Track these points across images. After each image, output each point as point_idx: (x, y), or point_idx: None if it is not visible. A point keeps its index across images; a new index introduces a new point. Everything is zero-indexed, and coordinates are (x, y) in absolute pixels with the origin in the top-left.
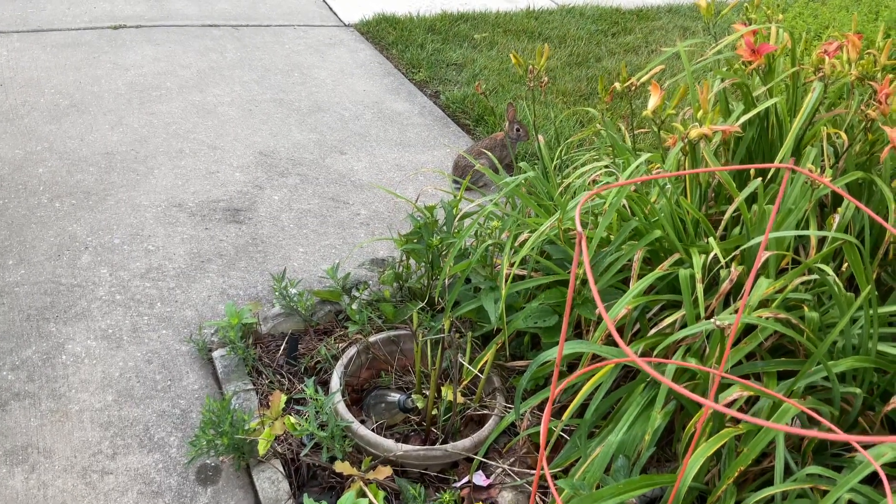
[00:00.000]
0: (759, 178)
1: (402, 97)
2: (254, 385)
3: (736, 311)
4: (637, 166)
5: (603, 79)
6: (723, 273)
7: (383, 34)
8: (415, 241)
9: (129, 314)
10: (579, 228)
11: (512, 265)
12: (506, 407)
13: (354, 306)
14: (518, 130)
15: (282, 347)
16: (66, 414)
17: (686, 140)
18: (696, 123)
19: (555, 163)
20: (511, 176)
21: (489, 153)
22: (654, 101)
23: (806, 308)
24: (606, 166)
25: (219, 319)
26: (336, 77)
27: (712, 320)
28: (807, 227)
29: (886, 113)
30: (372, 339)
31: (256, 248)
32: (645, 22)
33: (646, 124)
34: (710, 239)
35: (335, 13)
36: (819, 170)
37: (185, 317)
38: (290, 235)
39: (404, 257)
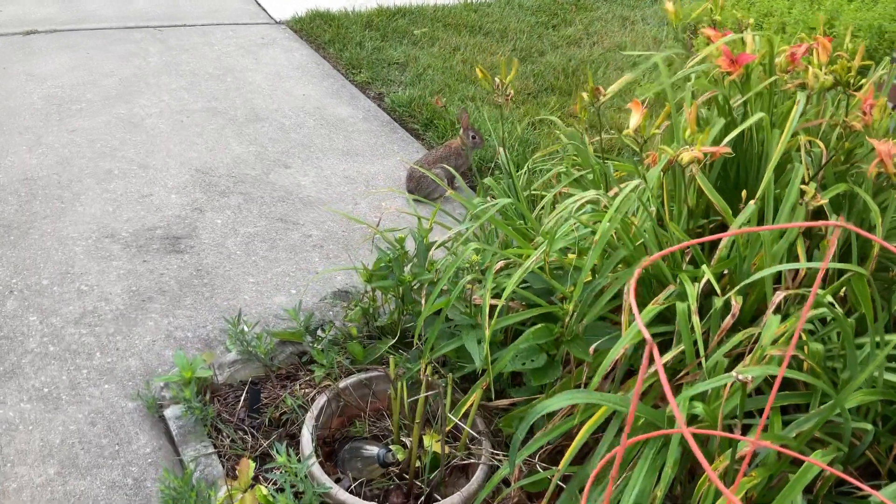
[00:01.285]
0: (752, 202)
1: (345, 101)
2: (215, 447)
3: (736, 347)
4: (626, 195)
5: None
6: (716, 301)
7: (319, 32)
8: (384, 275)
9: (66, 368)
10: (648, 338)
11: (495, 299)
12: (492, 454)
13: (320, 346)
14: (474, 138)
15: (242, 398)
16: (3, 493)
17: (676, 163)
18: (686, 145)
19: (522, 179)
20: (468, 184)
21: (444, 165)
22: (635, 120)
23: (804, 336)
24: (591, 202)
25: (167, 369)
26: (272, 81)
27: (734, 374)
28: (796, 248)
29: (870, 123)
30: (342, 383)
31: (202, 281)
32: (584, 13)
33: (609, 129)
34: (704, 267)
35: (265, 10)
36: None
37: (128, 367)
38: (238, 264)
39: (370, 289)
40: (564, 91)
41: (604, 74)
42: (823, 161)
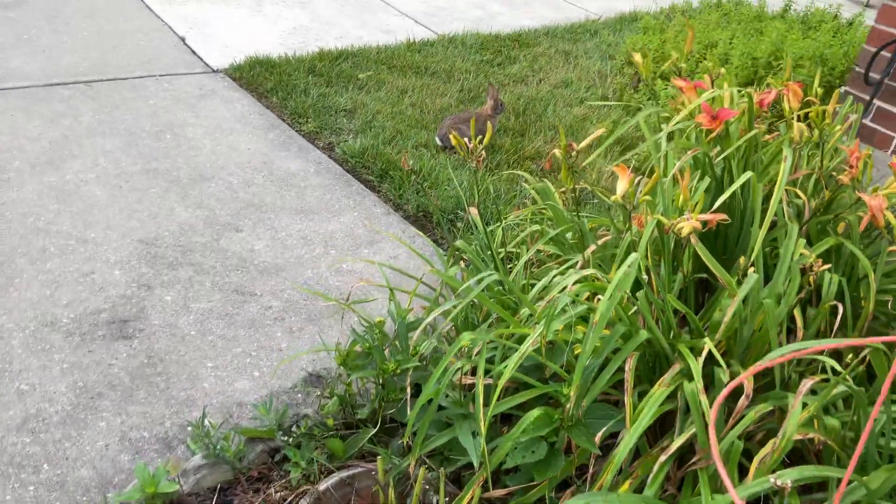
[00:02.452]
0: (752, 270)
1: (294, 154)
2: None
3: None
4: (624, 273)
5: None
6: (720, 374)
7: (260, 80)
8: (362, 365)
9: (11, 485)
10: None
11: (492, 385)
12: None
13: (294, 443)
14: (501, 105)
15: None
16: None
17: (672, 232)
18: (677, 210)
19: (495, 239)
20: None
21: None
22: (622, 186)
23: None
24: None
25: (125, 478)
26: (214, 135)
27: (771, 479)
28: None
29: (856, 176)
30: (322, 486)
31: (155, 371)
32: (526, 48)
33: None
34: (706, 340)
35: (200, 58)
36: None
37: (81, 479)
38: (194, 346)
39: (345, 373)
40: (517, 132)
41: (554, 112)
42: (807, 215)
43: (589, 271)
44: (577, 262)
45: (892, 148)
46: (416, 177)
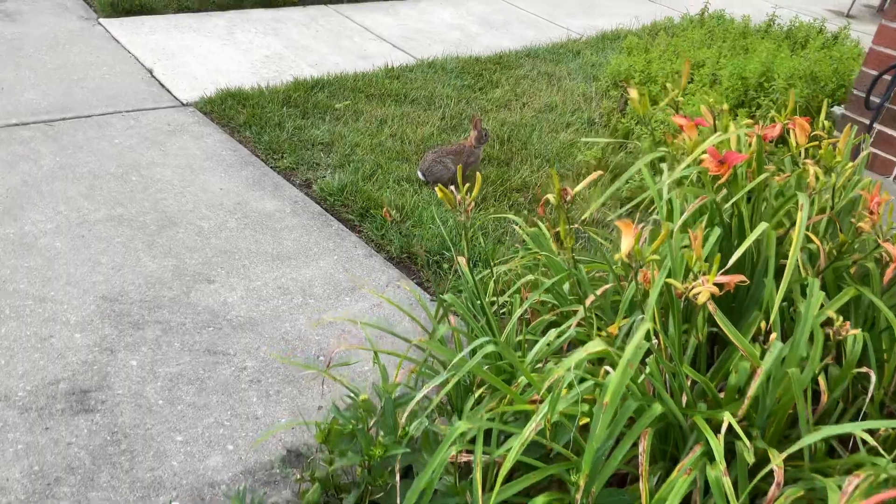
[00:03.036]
0: (773, 336)
1: (269, 192)
2: None
3: None
4: (636, 345)
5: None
6: (743, 452)
7: (232, 114)
8: (345, 451)
9: None
10: None
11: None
12: None
13: None
14: (486, 135)
15: None
16: None
17: (685, 297)
18: (696, 276)
19: (486, 292)
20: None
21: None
22: (627, 244)
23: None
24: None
25: None
26: (184, 175)
27: None
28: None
29: (877, 223)
30: None
31: (119, 448)
32: (508, 71)
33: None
34: (726, 415)
35: (169, 91)
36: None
37: None
38: (162, 418)
39: (327, 451)
40: (502, 161)
41: (539, 138)
42: (823, 262)
43: (597, 346)
44: (576, 313)
45: (894, 174)
46: (398, 214)
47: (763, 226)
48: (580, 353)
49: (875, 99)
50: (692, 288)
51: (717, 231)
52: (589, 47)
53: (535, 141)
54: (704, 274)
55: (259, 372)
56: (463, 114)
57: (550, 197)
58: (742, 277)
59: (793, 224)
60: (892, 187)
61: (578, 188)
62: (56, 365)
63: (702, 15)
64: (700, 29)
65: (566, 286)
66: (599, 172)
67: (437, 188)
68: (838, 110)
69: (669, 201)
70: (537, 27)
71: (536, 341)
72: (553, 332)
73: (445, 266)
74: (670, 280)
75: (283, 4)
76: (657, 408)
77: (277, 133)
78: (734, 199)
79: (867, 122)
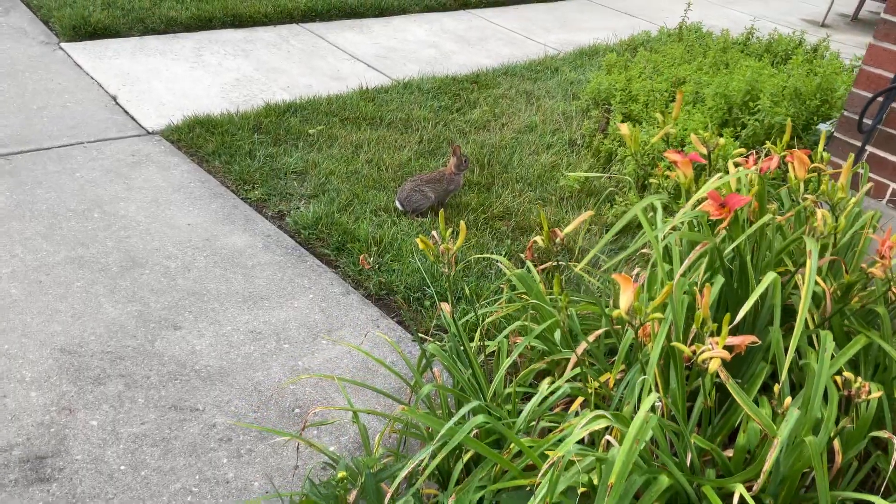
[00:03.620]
0: (788, 401)
1: (239, 226)
2: None
3: None
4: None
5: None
6: None
7: (201, 142)
8: None
9: None
10: None
11: None
12: None
13: None
14: (465, 162)
15: None
16: None
17: (693, 363)
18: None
19: (473, 344)
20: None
21: (425, 189)
22: (626, 299)
23: None
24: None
25: None
26: (150, 210)
27: None
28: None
29: (889, 266)
30: None
31: None
32: (486, 90)
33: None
34: (739, 488)
35: (134, 119)
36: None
37: None
38: (124, 486)
39: None
40: (483, 186)
41: (520, 161)
42: (829, 308)
43: (600, 424)
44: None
45: (887, 197)
46: (376, 249)
47: (771, 276)
48: (580, 430)
49: (867, 121)
50: (701, 353)
51: (719, 279)
52: (567, 64)
53: (516, 163)
54: (712, 335)
55: (230, 429)
56: (441, 136)
57: (539, 239)
58: (753, 338)
59: (796, 264)
60: (886, 211)
61: (568, 229)
62: (9, 429)
63: (680, 29)
64: (679, 44)
65: (557, 333)
66: (590, 213)
67: (418, 239)
68: (823, 127)
69: (667, 248)
70: (514, 43)
71: (527, 393)
72: (545, 387)
73: (427, 303)
74: (677, 344)
75: (253, 24)
76: (664, 480)
77: (248, 162)
78: (736, 243)
79: (858, 143)
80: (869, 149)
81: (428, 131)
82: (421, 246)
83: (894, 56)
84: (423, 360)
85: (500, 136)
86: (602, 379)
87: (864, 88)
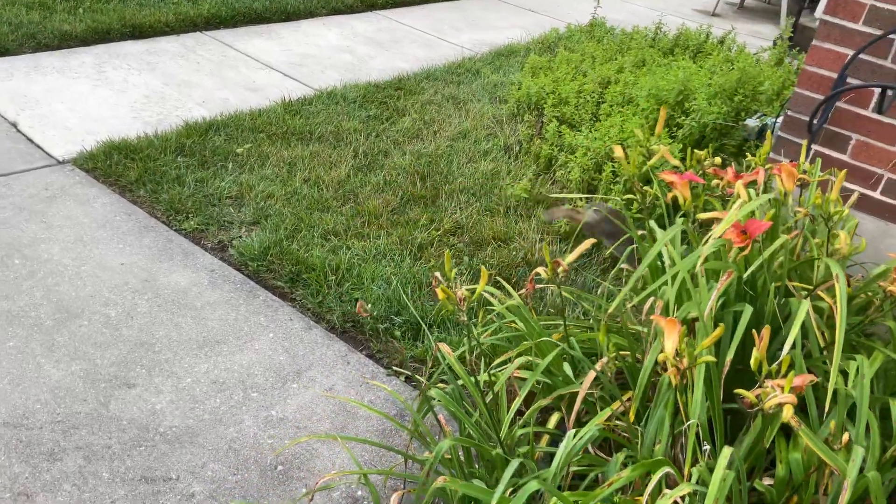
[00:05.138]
0: (848, 437)
1: (178, 262)
2: None
3: None
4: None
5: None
6: None
7: (121, 170)
8: None
9: None
10: None
11: None
12: None
13: None
14: None
15: None
16: None
17: (759, 410)
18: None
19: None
20: None
21: None
22: (671, 344)
23: None
24: None
25: None
26: (76, 251)
27: None
28: None
29: None
30: None
31: None
32: (411, 97)
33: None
34: None
35: (40, 147)
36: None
37: None
38: None
39: None
40: (428, 201)
41: (459, 169)
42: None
43: (684, 490)
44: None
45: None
46: (334, 278)
47: (806, 304)
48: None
49: (804, 117)
50: (769, 399)
51: (747, 309)
52: (486, 65)
53: (456, 173)
54: (769, 377)
55: (211, 496)
56: (376, 149)
57: (541, 271)
58: (813, 378)
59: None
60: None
61: (570, 258)
62: None
63: (591, 26)
64: (593, 41)
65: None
66: (592, 241)
67: (438, 290)
68: (751, 122)
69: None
70: (428, 45)
71: (537, 431)
72: (571, 434)
73: (397, 333)
74: (742, 391)
75: (155, 34)
76: None
77: (178, 189)
78: (752, 269)
79: (801, 141)
80: (815, 147)
81: (361, 144)
82: (441, 296)
83: (835, 56)
84: (426, 407)
85: (434, 145)
86: (614, 407)
87: (807, 88)
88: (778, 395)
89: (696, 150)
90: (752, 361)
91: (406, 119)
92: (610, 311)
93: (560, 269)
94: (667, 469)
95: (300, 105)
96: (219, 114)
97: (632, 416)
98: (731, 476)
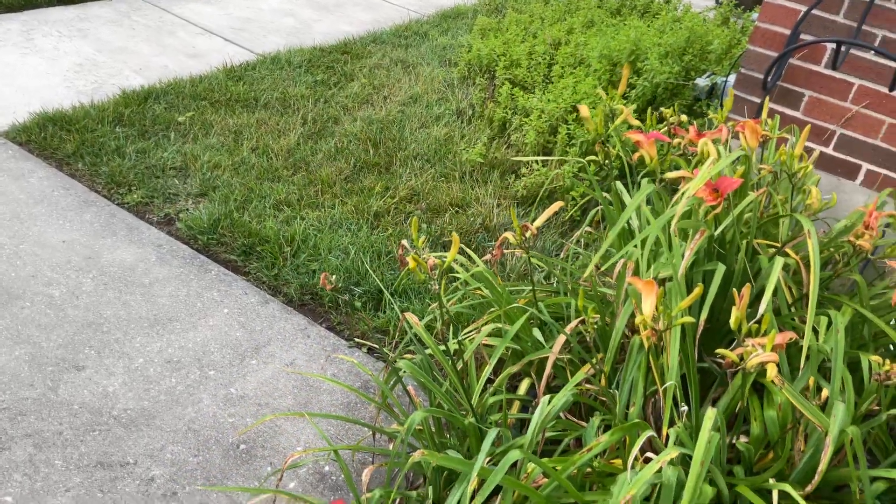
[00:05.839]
0: (828, 396)
1: (123, 238)
2: None
3: None
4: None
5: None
6: None
7: (56, 143)
8: None
9: None
10: None
11: None
12: None
13: None
14: None
15: None
16: None
17: (740, 370)
18: (755, 346)
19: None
20: None
21: None
22: (649, 305)
23: None
24: None
25: None
26: (13, 229)
27: None
28: None
29: (875, 237)
30: None
31: None
32: (359, 61)
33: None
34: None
35: None
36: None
37: None
38: None
39: None
40: (382, 168)
41: (412, 135)
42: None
43: (673, 452)
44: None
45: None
46: (289, 249)
47: (780, 262)
48: (649, 468)
49: (758, 74)
50: (751, 359)
51: (720, 268)
52: (434, 28)
53: (409, 138)
54: (749, 335)
55: (172, 480)
56: (325, 115)
57: (510, 235)
58: (793, 335)
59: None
60: None
61: (538, 222)
62: None
63: None
64: (539, 1)
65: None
66: (560, 204)
67: (409, 258)
68: (701, 82)
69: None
70: (372, 7)
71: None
72: (546, 399)
73: (358, 304)
74: (723, 351)
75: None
76: (708, 490)
77: (118, 161)
78: (723, 226)
79: (756, 99)
80: (770, 105)
81: (310, 110)
82: (411, 265)
83: (787, 12)
84: (394, 378)
85: (385, 111)
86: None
87: (760, 45)
88: (760, 354)
89: (662, 109)
90: (731, 321)
91: (355, 84)
92: (585, 275)
93: (528, 234)
94: (649, 433)
95: (243, 71)
96: (157, 81)
97: (603, 380)
98: (716, 438)
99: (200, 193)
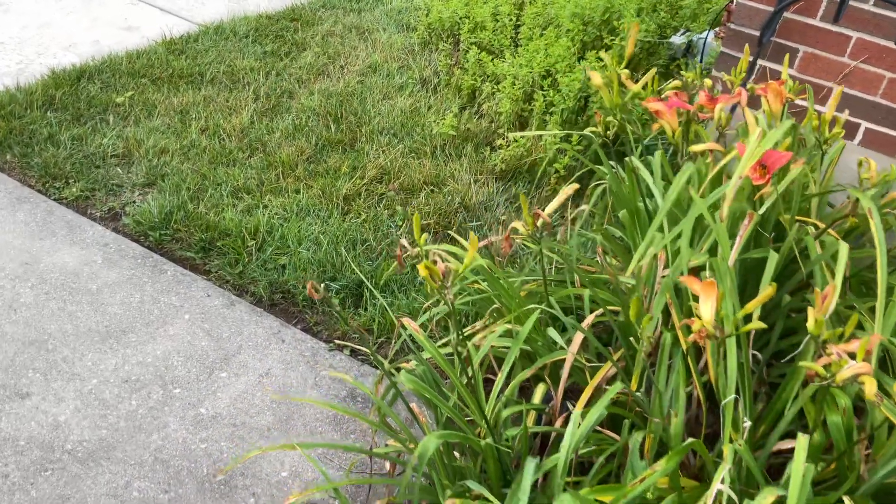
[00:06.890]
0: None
1: (64, 238)
2: None
3: None
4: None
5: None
6: None
7: None
8: None
9: None
10: None
11: None
12: None
13: None
14: None
15: None
16: None
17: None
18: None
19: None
20: None
21: None
22: (709, 309)
23: None
24: None
25: None
26: None
27: None
28: None
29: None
30: None
31: None
32: (310, 28)
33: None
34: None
35: None
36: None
37: None
38: None
39: None
40: (346, 145)
41: (374, 108)
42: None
43: (771, 496)
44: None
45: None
46: (254, 242)
47: (845, 247)
48: None
49: (752, 31)
50: (842, 372)
51: (773, 256)
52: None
53: (372, 111)
54: (827, 342)
55: None
56: (279, 89)
57: (519, 225)
58: (881, 337)
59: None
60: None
61: (550, 208)
62: None
63: None
64: None
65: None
66: (574, 186)
67: (421, 266)
68: (677, 40)
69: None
70: None
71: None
72: (577, 413)
73: (335, 300)
74: (809, 364)
75: None
76: None
77: (52, 150)
78: (766, 205)
79: (750, 58)
80: (761, 62)
81: (261, 85)
82: (423, 273)
83: None
84: (391, 392)
85: (344, 82)
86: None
87: (756, 1)
88: (853, 366)
89: (683, 72)
90: (810, 324)
91: (308, 54)
92: (629, 270)
93: (540, 222)
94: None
95: (184, 43)
96: (90, 58)
97: (633, 384)
98: (811, 469)
99: (148, 183)
